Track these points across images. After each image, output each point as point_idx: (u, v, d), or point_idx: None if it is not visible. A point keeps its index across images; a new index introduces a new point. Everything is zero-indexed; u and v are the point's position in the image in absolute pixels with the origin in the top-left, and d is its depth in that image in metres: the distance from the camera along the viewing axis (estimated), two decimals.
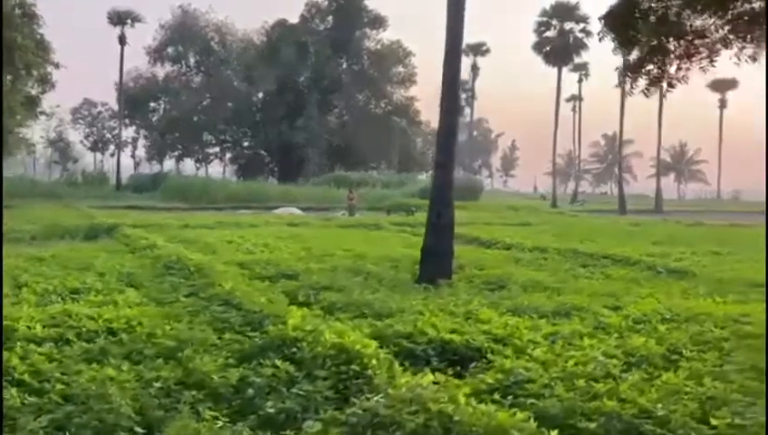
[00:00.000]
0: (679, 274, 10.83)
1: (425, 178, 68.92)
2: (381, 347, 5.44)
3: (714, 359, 5.49)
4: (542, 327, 6.40)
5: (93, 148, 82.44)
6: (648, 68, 4.22)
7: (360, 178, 45.54)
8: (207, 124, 59.32)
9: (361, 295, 7.56)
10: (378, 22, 54.95)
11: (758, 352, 5.76)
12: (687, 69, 4.21)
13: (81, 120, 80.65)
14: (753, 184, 77.42)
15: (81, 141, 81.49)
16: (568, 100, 67.67)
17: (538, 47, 44.06)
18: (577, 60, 48.91)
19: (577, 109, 67.65)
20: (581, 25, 42.72)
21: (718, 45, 4.28)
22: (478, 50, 59.67)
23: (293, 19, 56.84)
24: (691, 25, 3.91)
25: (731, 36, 3.82)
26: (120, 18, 45.63)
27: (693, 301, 8.25)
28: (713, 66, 4.69)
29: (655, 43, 4.13)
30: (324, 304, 7.30)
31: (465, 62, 63.06)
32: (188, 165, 68.94)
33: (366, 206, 33.96)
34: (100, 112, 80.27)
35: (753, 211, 42.12)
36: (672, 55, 4.14)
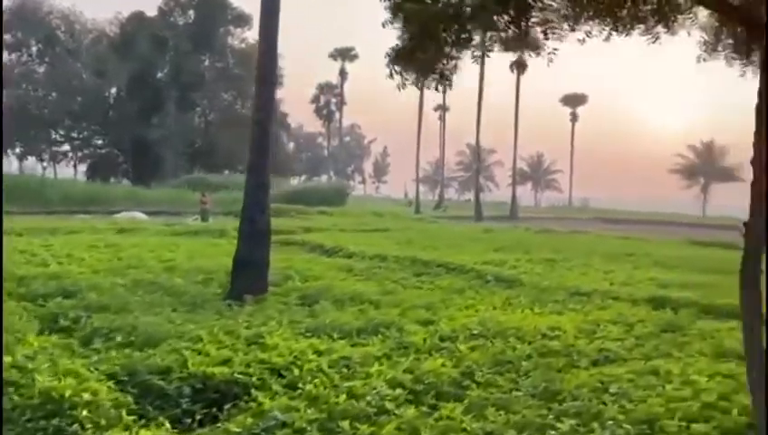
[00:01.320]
0: (508, 282, 10.71)
1: (296, 182, 67.90)
2: (123, 388, 4.43)
3: (507, 383, 5.04)
4: (337, 350, 5.67)
5: None
6: (417, 56, 3.67)
7: (220, 181, 43.38)
8: (54, 120, 54.06)
9: (138, 318, 6.43)
10: (242, 20, 52.98)
11: (555, 371, 5.41)
12: (458, 58, 3.71)
13: None
14: (599, 192, 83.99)
15: None
16: (435, 109, 69.49)
17: None
18: None
19: (443, 118, 69.62)
20: None
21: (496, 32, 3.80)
22: (347, 54, 59.59)
23: (150, 11, 53.45)
24: (462, 7, 3.38)
25: (503, 19, 3.34)
26: None
27: (510, 313, 7.99)
28: (487, 57, 4.23)
29: (425, 27, 3.56)
30: (87, 331, 6.10)
31: (334, 67, 62.82)
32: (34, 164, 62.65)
33: (224, 211, 32.17)
34: None
35: (598, 218, 45.36)
36: (444, 43, 3.60)
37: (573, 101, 70.85)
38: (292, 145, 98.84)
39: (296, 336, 6.09)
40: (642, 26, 5.00)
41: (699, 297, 9.23)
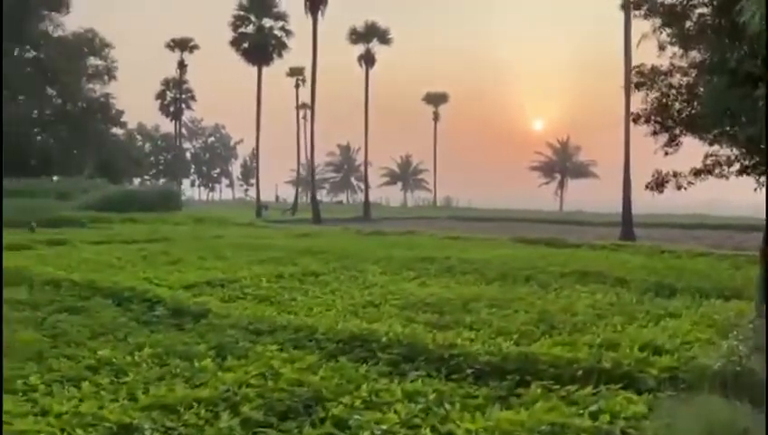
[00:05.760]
0: (182, 317, 7.41)
1: (140, 186, 61.40)
2: None
3: None
4: None
5: None
6: None
7: (23, 187, 37.33)
8: None
9: None
10: (61, 5, 46.41)
11: None
12: None
13: None
14: (470, 191, 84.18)
15: None
16: (300, 107, 65.90)
17: (236, 44, 40.56)
18: (291, 64, 46.90)
19: (307, 117, 66.23)
20: (280, 23, 40.43)
21: None
22: (186, 45, 54.37)
23: None
24: None
25: None
26: None
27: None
28: None
29: None
30: None
31: (171, 58, 57.37)
32: None
33: (21, 219, 26.67)
34: None
35: (454, 217, 43.92)
36: None
37: (435, 99, 70.07)
38: (147, 145, 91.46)
39: None
40: None
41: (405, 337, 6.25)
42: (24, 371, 5.12)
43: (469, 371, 5.21)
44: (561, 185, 71.29)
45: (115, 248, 15.50)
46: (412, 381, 4.96)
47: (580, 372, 4.87)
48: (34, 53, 47.78)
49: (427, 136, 72.32)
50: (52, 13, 46.86)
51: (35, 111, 49.25)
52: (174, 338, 6.42)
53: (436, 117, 70.33)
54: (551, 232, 24.21)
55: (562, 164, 71.62)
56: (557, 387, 4.61)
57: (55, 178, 49.14)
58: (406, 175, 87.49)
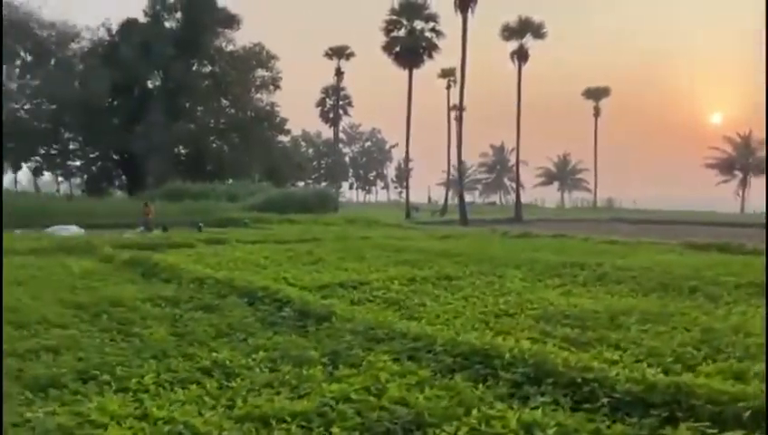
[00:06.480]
0: (308, 318, 7.31)
1: (299, 188, 64.95)
2: None
3: None
4: None
5: None
6: None
7: (201, 190, 41.01)
8: (43, 132, 52.74)
9: None
10: (231, 21, 50.53)
11: None
12: None
13: None
14: (625, 191, 78.31)
15: None
16: (452, 108, 65.76)
17: (388, 48, 41.13)
18: (443, 65, 46.73)
19: (459, 118, 65.75)
20: (431, 24, 40.26)
21: None
22: (342, 53, 56.39)
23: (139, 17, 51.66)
24: None
25: None
26: None
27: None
28: None
29: None
30: None
31: (329, 66, 59.77)
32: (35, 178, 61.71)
33: (190, 220, 29.42)
34: None
35: (616, 218, 41.05)
36: None
37: (596, 94, 66.00)
38: (311, 151, 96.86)
39: None
40: None
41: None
42: (143, 369, 5.24)
43: (604, 400, 4.42)
44: (744, 184, 63.61)
45: (266, 248, 16.18)
46: (532, 409, 4.29)
47: (746, 414, 3.89)
48: (210, 68, 52.45)
49: (587, 134, 68.47)
50: (226, 29, 51.11)
51: (211, 121, 54.03)
52: (292, 342, 6.29)
53: (596, 112, 66.21)
54: (727, 236, 21.47)
55: (744, 160, 63.91)
56: (713, 431, 3.71)
57: (229, 181, 53.45)
58: (563, 174, 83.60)
